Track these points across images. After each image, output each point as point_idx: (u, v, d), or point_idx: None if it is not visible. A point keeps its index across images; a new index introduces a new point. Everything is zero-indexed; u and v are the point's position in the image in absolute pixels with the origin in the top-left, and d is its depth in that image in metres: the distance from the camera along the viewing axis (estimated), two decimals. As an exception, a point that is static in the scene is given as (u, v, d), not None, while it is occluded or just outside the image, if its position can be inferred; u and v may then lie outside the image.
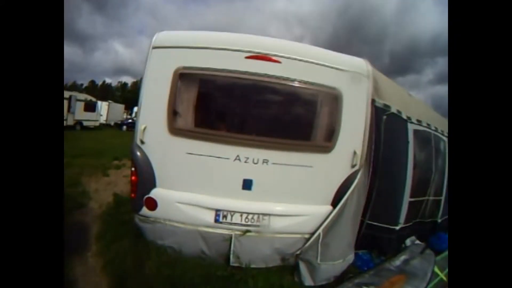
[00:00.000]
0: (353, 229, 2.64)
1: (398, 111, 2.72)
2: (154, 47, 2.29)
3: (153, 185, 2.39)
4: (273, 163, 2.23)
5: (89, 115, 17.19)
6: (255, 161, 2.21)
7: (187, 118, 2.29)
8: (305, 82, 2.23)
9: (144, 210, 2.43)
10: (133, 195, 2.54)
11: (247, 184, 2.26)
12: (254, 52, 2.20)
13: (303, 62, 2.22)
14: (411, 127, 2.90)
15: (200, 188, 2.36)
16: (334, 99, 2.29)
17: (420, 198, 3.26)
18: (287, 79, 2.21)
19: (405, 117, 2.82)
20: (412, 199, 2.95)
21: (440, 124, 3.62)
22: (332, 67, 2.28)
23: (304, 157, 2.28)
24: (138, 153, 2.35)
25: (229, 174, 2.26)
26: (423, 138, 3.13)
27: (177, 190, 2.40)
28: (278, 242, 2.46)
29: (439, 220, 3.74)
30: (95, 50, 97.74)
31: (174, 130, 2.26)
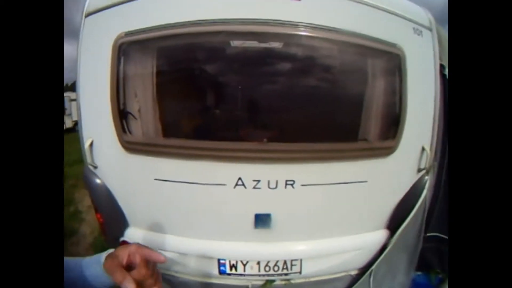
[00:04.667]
0: (416, 253, 1.69)
1: None
2: (88, 14, 1.18)
3: (124, 224, 1.35)
4: (303, 185, 1.15)
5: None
6: (272, 185, 1.13)
7: (146, 123, 1.19)
8: (347, 34, 1.09)
9: (125, 255, 1.45)
10: (104, 237, 1.53)
11: (262, 221, 1.19)
12: None
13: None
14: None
15: (188, 229, 1.30)
16: (394, 64, 1.18)
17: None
18: (313, 29, 1.07)
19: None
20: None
21: None
22: (385, 10, 1.14)
23: (353, 169, 1.19)
24: (94, 183, 1.29)
25: (229, 208, 1.20)
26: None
27: (156, 231, 1.37)
28: (312, 285, 1.51)
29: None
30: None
31: (129, 144, 1.18)
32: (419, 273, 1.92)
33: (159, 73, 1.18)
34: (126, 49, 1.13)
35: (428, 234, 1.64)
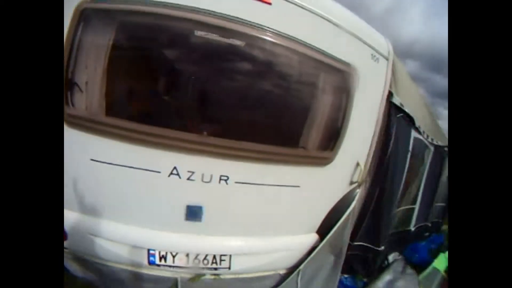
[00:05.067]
0: (341, 258, 1.83)
1: (408, 113, 1.76)
2: None
3: None
4: (237, 182, 1.16)
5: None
6: (206, 179, 1.13)
7: (92, 98, 1.11)
8: (306, 47, 1.15)
9: (52, 237, 1.31)
10: None
11: (193, 213, 1.18)
12: None
13: (309, 13, 1.14)
14: (413, 134, 2.02)
15: (121, 215, 1.23)
16: (345, 82, 1.27)
17: (400, 208, 2.52)
18: (277, 35, 1.11)
19: (411, 122, 1.90)
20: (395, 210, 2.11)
21: (430, 128, 2.89)
22: (349, 32, 1.23)
23: (288, 173, 1.24)
24: None
25: (161, 197, 1.17)
26: (416, 147, 2.25)
27: (87, 214, 1.28)
28: (241, 282, 1.54)
29: (413, 229, 2.93)
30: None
31: (70, 117, 1.09)
32: (346, 276, 2.12)
33: (114, 48, 1.11)
34: (88, 15, 1.05)
35: (355, 243, 1.81)
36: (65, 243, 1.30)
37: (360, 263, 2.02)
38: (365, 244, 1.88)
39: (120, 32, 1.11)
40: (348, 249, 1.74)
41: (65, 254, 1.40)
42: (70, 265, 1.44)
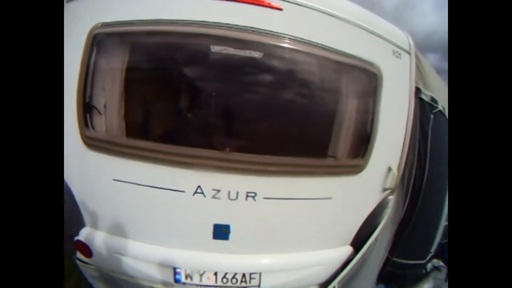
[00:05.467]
0: (376, 272, 1.68)
1: (443, 108, 1.58)
2: (68, 0, 1.10)
3: (80, 223, 1.26)
4: (265, 198, 1.09)
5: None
6: (233, 196, 1.07)
7: (111, 120, 1.11)
8: (326, 50, 1.06)
9: (80, 255, 1.32)
10: None
11: (220, 232, 1.12)
12: None
13: (322, 14, 1.06)
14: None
15: (145, 235, 1.21)
16: (370, 82, 1.16)
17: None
18: (293, 41, 1.04)
19: (447, 116, 1.67)
20: (447, 222, 1.86)
21: None
22: (367, 30, 1.13)
23: (318, 185, 1.15)
24: None
25: (187, 216, 1.12)
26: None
27: (112, 233, 1.27)
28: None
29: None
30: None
31: (91, 140, 1.10)
32: (381, 286, 1.95)
33: (129, 70, 1.11)
34: (100, 40, 1.07)
35: (394, 259, 1.65)
36: (90, 260, 1.31)
37: (399, 277, 1.85)
38: (405, 261, 1.70)
39: (133, 54, 1.12)
40: (386, 264, 1.59)
41: (90, 272, 1.42)
42: (96, 283, 1.46)
